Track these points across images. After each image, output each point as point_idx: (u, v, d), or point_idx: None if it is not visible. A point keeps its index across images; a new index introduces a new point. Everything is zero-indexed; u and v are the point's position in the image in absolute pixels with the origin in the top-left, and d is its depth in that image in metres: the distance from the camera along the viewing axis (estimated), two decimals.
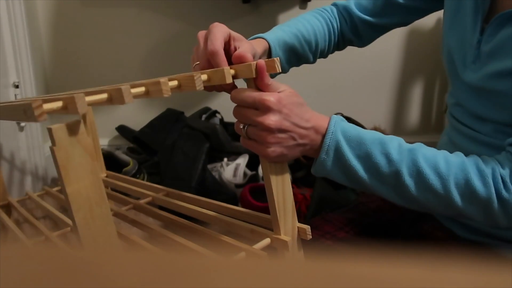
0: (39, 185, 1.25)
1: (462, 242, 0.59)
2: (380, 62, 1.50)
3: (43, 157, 1.28)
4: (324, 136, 0.48)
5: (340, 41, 0.74)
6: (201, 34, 0.52)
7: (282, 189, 0.50)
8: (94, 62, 1.47)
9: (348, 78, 1.49)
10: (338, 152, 0.48)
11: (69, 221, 0.62)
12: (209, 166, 1.19)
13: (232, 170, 1.17)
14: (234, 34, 0.52)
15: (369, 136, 0.49)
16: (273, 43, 0.62)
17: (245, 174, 1.17)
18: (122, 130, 1.47)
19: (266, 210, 0.55)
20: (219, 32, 0.49)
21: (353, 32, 0.74)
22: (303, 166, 1.15)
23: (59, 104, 0.32)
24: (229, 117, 1.43)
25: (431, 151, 0.49)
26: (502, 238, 0.55)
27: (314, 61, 0.72)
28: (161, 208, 0.70)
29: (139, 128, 1.39)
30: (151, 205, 0.71)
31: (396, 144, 0.49)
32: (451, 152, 0.61)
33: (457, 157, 0.49)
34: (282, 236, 0.49)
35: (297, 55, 0.67)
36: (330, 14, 0.73)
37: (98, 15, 1.44)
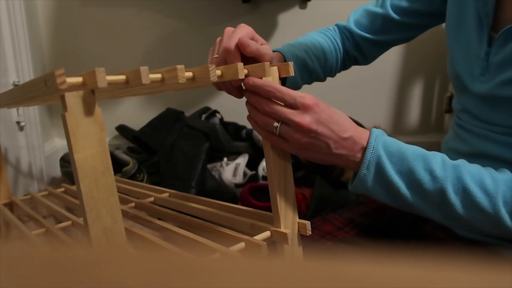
0: (39, 185, 1.25)
1: (463, 242, 0.59)
2: (380, 62, 1.50)
3: (43, 156, 1.28)
4: (364, 150, 0.47)
5: (345, 59, 0.75)
6: (228, 29, 0.51)
7: (284, 182, 0.50)
8: (94, 62, 1.46)
9: (348, 77, 1.49)
10: (380, 168, 0.46)
11: (73, 217, 0.62)
12: (209, 166, 1.19)
13: (232, 170, 1.17)
14: (258, 37, 0.52)
15: (412, 151, 0.47)
16: (288, 57, 0.62)
17: (245, 174, 1.17)
18: (122, 129, 1.47)
19: (266, 209, 0.55)
20: (240, 32, 0.49)
21: (356, 50, 0.74)
22: (303, 166, 1.15)
23: (79, 79, 0.33)
24: (229, 117, 1.43)
25: (476, 168, 0.48)
26: (502, 237, 0.55)
27: (324, 78, 0.72)
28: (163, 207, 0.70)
29: (139, 128, 1.39)
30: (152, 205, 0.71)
31: (439, 160, 0.47)
32: (460, 148, 0.61)
33: (503, 174, 0.47)
34: (282, 229, 0.50)
35: (308, 70, 0.67)
36: (334, 33, 0.74)
37: (98, 15, 1.44)
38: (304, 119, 0.44)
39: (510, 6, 0.52)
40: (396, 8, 0.69)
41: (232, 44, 0.47)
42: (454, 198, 0.45)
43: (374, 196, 0.49)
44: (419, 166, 0.46)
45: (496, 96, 0.52)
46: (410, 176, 0.46)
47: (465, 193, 0.45)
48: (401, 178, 0.46)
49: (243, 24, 0.51)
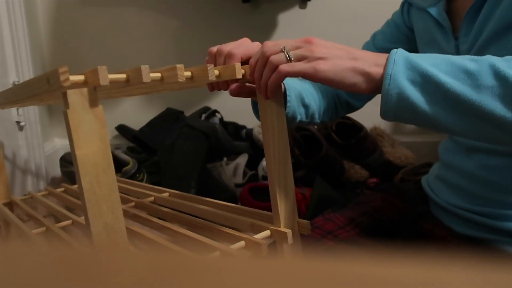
0: (39, 184, 1.25)
1: (462, 240, 0.59)
2: None
3: (43, 156, 1.28)
4: (387, 57, 0.43)
5: (337, 103, 0.71)
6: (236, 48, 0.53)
7: (284, 181, 0.50)
8: (94, 62, 1.47)
9: None
10: (409, 62, 0.41)
11: (73, 217, 0.62)
12: (209, 166, 1.19)
13: (232, 169, 1.17)
14: None
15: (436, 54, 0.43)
16: (287, 86, 0.57)
17: (244, 173, 1.17)
18: (122, 129, 1.47)
19: (266, 209, 0.55)
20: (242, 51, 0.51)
21: (346, 93, 0.72)
22: (302, 166, 1.15)
23: (81, 77, 0.34)
24: (229, 117, 1.43)
25: None
26: (501, 232, 0.56)
27: (318, 119, 0.66)
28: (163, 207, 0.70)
29: (139, 128, 1.39)
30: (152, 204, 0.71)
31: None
32: (455, 146, 0.62)
33: None
34: (282, 228, 0.50)
35: (304, 105, 0.61)
36: None
37: (98, 15, 1.44)
38: (311, 38, 0.44)
39: (460, 7, 0.57)
40: (381, 50, 0.74)
41: (236, 60, 0.48)
42: (507, 70, 0.38)
43: (411, 106, 0.41)
44: (452, 56, 0.41)
45: None
46: (447, 63, 0.40)
47: None
48: (437, 68, 0.40)
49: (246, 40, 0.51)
